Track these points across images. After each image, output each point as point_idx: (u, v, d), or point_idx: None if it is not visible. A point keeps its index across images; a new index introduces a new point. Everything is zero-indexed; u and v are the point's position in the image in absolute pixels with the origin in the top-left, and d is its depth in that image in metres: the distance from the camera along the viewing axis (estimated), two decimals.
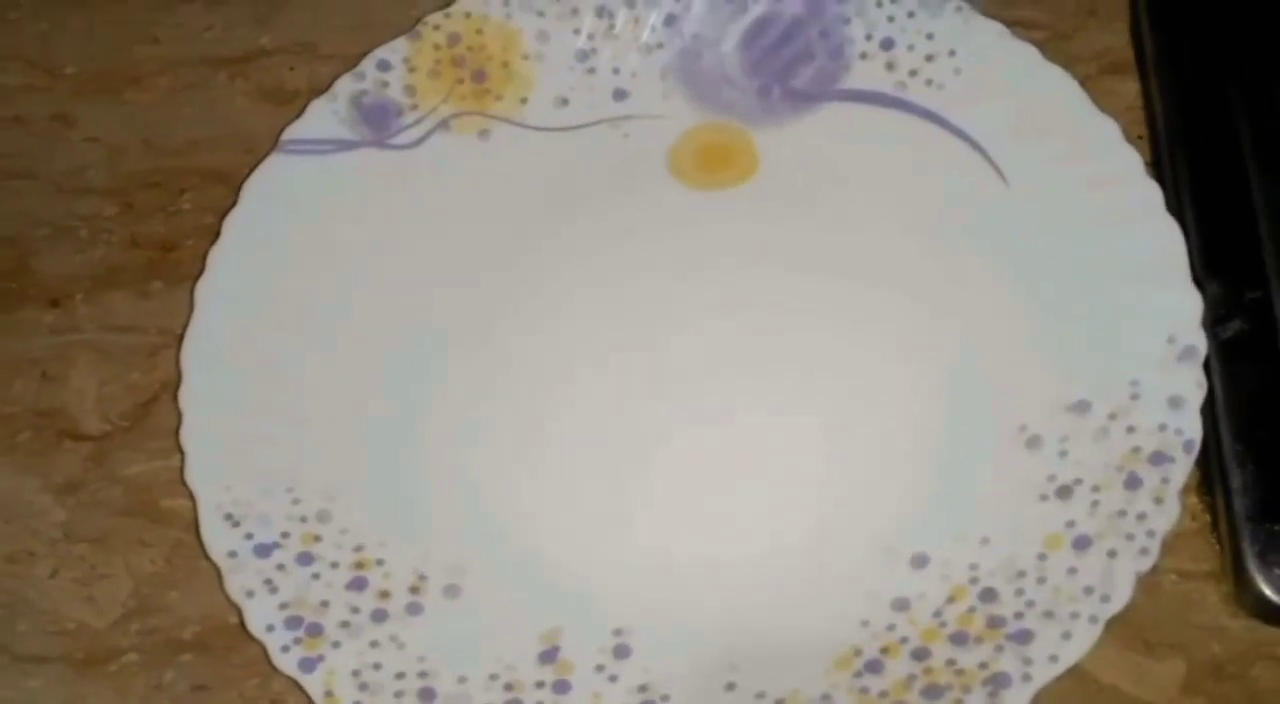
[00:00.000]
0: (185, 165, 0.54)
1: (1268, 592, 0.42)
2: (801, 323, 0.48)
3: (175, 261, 0.52)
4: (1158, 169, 0.50)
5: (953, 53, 0.51)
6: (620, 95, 0.53)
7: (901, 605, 0.43)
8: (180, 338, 0.48)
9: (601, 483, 0.46)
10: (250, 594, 0.43)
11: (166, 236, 0.53)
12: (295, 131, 0.51)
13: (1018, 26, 0.52)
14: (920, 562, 0.43)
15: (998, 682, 0.40)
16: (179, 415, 0.47)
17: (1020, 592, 0.42)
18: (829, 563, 0.44)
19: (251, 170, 0.51)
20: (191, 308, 0.48)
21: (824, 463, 0.46)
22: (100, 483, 0.48)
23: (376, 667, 0.42)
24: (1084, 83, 0.50)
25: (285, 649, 0.42)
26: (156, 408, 0.49)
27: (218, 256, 0.49)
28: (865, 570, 0.43)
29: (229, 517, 0.44)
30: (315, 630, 0.42)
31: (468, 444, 0.47)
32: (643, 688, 0.42)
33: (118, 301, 0.52)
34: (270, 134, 0.52)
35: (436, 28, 0.53)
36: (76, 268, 0.52)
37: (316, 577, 0.44)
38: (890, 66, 0.52)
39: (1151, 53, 0.52)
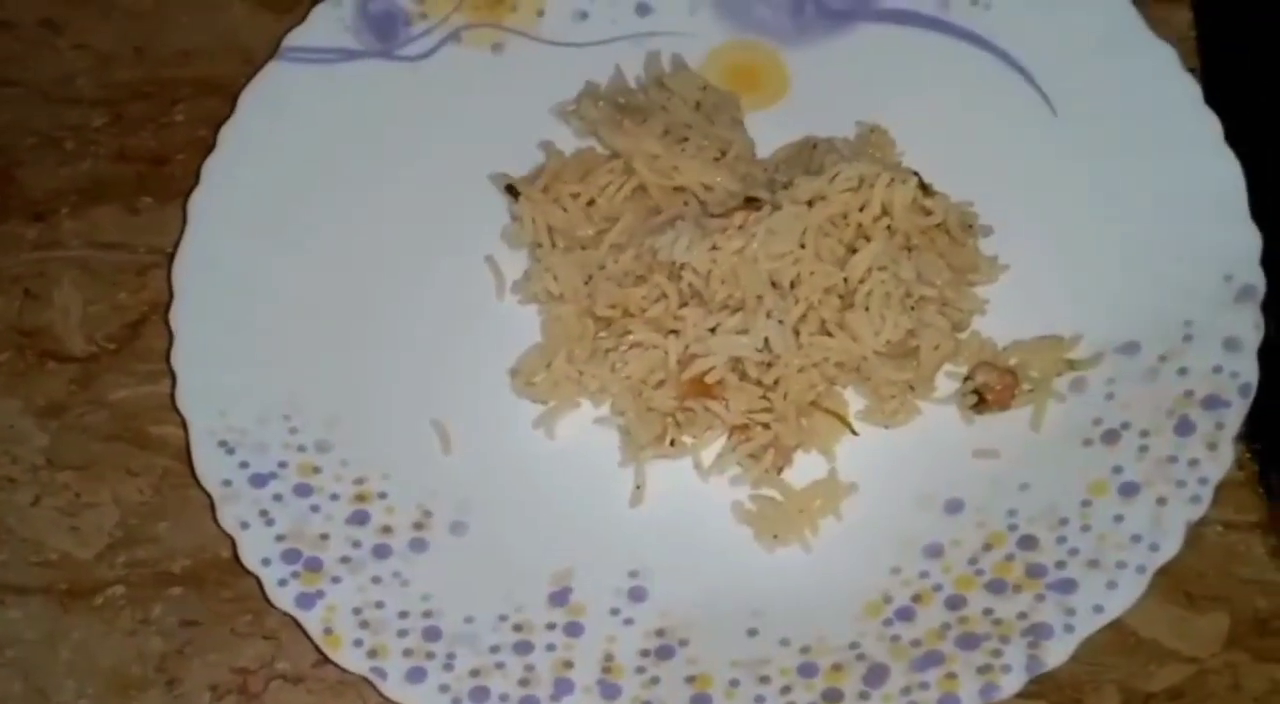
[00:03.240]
0: (178, 75, 0.51)
1: None
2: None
3: (166, 176, 0.49)
4: (1212, 105, 0.47)
5: None
6: (644, 10, 0.50)
7: (935, 552, 0.41)
8: (170, 257, 0.46)
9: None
10: (245, 525, 0.41)
11: (157, 149, 0.50)
12: (297, 38, 0.48)
13: None
14: (954, 507, 0.41)
15: (1038, 632, 0.38)
16: (169, 336, 0.44)
17: (1062, 539, 0.40)
18: (856, 508, 0.42)
19: (249, 80, 0.48)
20: (184, 223, 0.46)
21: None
22: (85, 407, 0.46)
23: (379, 605, 0.40)
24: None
25: (282, 583, 0.40)
26: (145, 330, 0.47)
27: (213, 169, 0.46)
28: (896, 516, 0.41)
29: (223, 443, 0.42)
30: (314, 565, 0.40)
31: (478, 374, 0.44)
32: (660, 632, 0.40)
33: (105, 217, 0.49)
34: (268, 44, 0.49)
35: None
36: (62, 180, 0.50)
37: (315, 509, 0.41)
38: None
39: None
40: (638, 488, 0.42)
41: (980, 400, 0.43)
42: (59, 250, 0.48)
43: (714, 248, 0.41)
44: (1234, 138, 0.45)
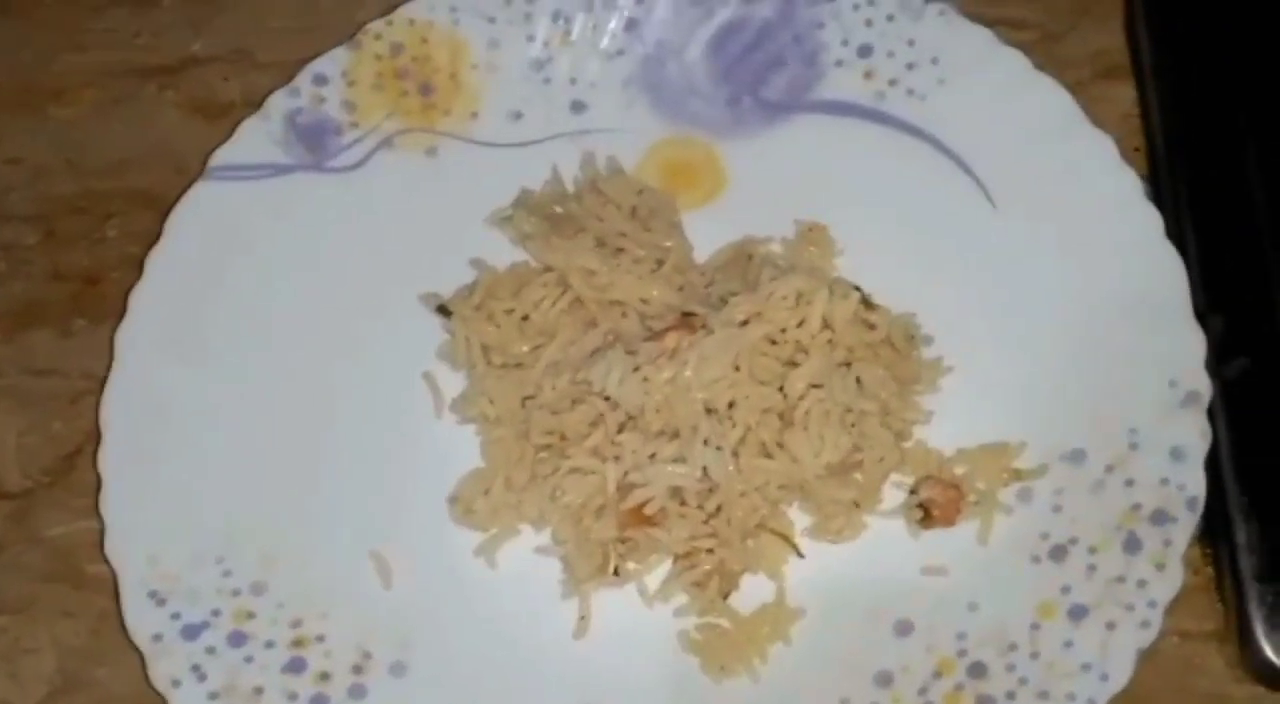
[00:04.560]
0: (111, 187, 0.50)
1: (1275, 657, 0.39)
2: None
3: (99, 296, 0.48)
4: (1155, 186, 0.46)
5: (935, 60, 0.48)
6: (579, 107, 0.49)
7: (884, 680, 0.40)
8: (103, 382, 0.45)
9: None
10: (177, 683, 0.40)
11: (90, 268, 0.49)
12: (225, 156, 0.47)
13: (1005, 26, 0.48)
14: (904, 629, 0.41)
15: None
16: (99, 479, 0.43)
17: (1011, 667, 0.39)
18: (805, 632, 0.41)
19: (180, 196, 0.47)
20: (111, 356, 0.45)
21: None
22: (21, 545, 0.45)
23: None
24: (1076, 89, 0.47)
25: None
26: (80, 461, 0.46)
27: (139, 299, 0.45)
28: (845, 640, 0.41)
29: (153, 594, 0.41)
30: None
31: (417, 501, 0.44)
32: None
33: (39, 341, 0.48)
34: (202, 151, 0.48)
35: (378, 37, 0.49)
36: None
37: (249, 660, 0.41)
38: (868, 75, 0.48)
39: (1149, 56, 0.49)
40: (582, 619, 0.42)
41: (926, 516, 0.42)
42: None
43: (645, 380, 0.41)
44: (1182, 221, 0.45)
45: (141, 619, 0.41)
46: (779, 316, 0.41)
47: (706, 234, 0.47)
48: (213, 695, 0.40)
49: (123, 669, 0.42)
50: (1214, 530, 0.42)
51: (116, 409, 0.44)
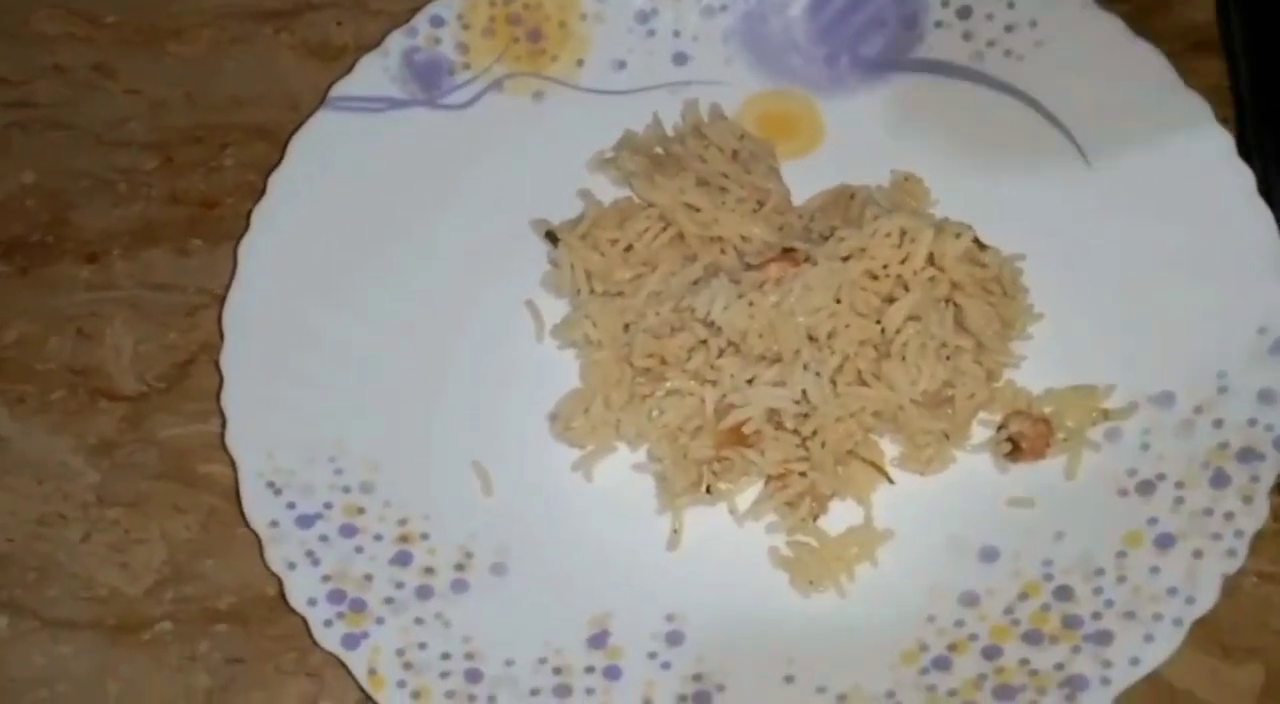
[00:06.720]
0: (227, 120, 0.52)
1: None
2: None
3: (216, 219, 0.50)
4: (1245, 155, 0.47)
5: (1034, 23, 0.49)
6: (680, 59, 0.51)
7: (970, 600, 0.41)
8: (220, 299, 0.47)
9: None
10: (292, 566, 0.42)
11: (207, 193, 0.51)
12: (345, 88, 0.49)
13: (1098, 0, 0.50)
14: (990, 555, 0.42)
15: (1074, 684, 0.39)
16: (219, 379, 0.45)
17: (1098, 590, 0.40)
18: (892, 555, 0.42)
19: (297, 127, 0.49)
20: (234, 267, 0.47)
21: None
22: (135, 445, 0.47)
23: (421, 646, 0.41)
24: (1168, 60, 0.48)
25: (328, 624, 0.41)
26: (194, 369, 0.48)
27: (263, 215, 0.47)
28: (931, 564, 0.42)
29: (271, 484, 0.43)
30: (359, 606, 0.41)
31: (518, 418, 0.45)
32: (697, 677, 0.40)
33: (156, 258, 0.50)
34: (315, 90, 0.50)
35: None
36: (114, 222, 0.51)
37: (360, 550, 0.42)
38: (967, 36, 0.49)
39: (1239, 31, 0.50)
40: (675, 532, 0.43)
41: (1015, 449, 0.43)
42: (111, 291, 0.50)
43: (750, 304, 0.42)
44: (1272, 184, 0.46)
45: (259, 506, 0.43)
46: (882, 253, 0.43)
47: (803, 184, 0.48)
48: (325, 578, 0.41)
49: (229, 561, 0.44)
50: None
51: (238, 316, 0.46)
